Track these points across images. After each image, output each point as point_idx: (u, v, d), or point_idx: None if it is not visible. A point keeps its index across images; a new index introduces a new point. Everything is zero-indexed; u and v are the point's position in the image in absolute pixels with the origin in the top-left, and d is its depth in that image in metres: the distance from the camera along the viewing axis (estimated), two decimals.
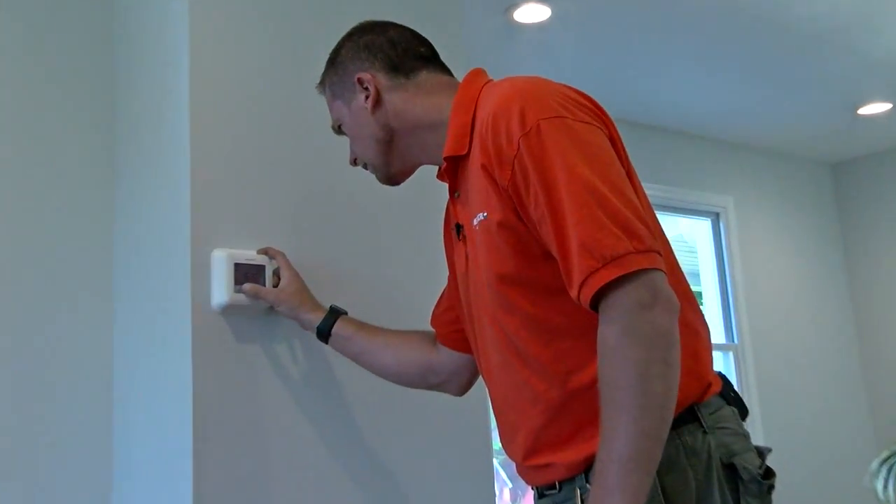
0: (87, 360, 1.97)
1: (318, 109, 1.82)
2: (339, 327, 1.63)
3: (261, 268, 1.68)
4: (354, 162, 1.49)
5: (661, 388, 1.01)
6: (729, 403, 1.22)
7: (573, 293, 1.08)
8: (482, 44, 3.39)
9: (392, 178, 1.46)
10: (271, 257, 1.70)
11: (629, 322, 1.02)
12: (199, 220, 1.67)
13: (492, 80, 1.32)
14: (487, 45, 3.44)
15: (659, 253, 1.07)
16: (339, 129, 1.49)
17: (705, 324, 1.24)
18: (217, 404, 1.63)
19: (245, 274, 1.66)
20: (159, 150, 1.85)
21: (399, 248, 1.93)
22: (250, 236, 1.72)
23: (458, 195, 1.31)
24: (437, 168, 1.40)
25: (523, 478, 1.28)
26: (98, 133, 2.08)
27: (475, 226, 1.23)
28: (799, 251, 5.03)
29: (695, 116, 4.47)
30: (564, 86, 1.21)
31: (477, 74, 1.35)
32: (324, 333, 1.64)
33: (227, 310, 1.65)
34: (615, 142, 1.19)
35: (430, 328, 1.59)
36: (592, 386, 1.10)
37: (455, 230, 1.34)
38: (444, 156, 1.29)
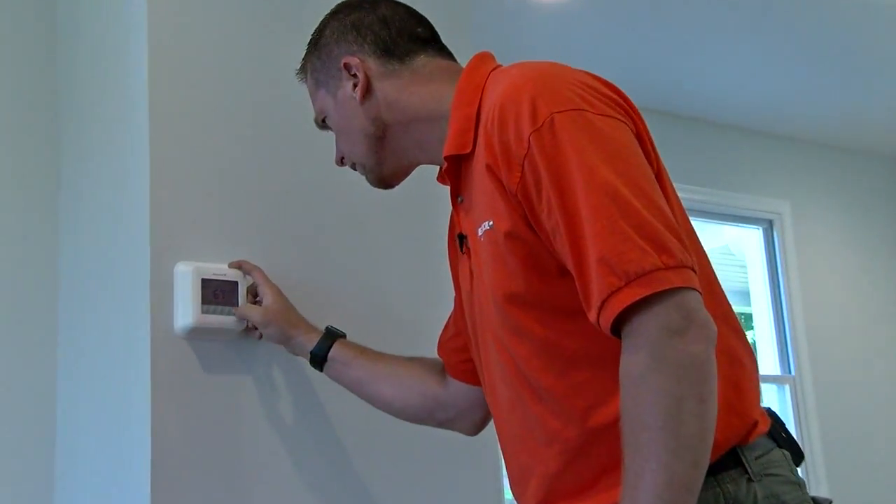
0: (23, 394, 1.99)
1: (298, 99, 1.84)
2: (336, 352, 1.65)
3: (233, 284, 1.70)
4: (341, 161, 1.50)
5: (695, 428, 1.02)
6: (780, 445, 1.22)
7: (591, 315, 1.09)
8: (492, 25, 3.41)
9: (385, 179, 1.47)
10: (246, 272, 1.72)
11: (657, 350, 1.03)
12: (159, 227, 1.69)
13: (500, 66, 1.33)
14: (498, 25, 3.47)
15: (693, 269, 1.08)
16: (322, 123, 1.50)
17: (750, 352, 1.25)
18: (181, 447, 1.64)
19: (214, 292, 1.67)
20: (112, 145, 1.87)
21: (399, 262, 1.95)
22: (220, 247, 1.74)
23: (462, 200, 1.32)
24: (437, 168, 1.41)
25: None
26: (38, 126, 2.10)
27: (480, 236, 1.24)
28: (869, 266, 5.03)
29: (743, 106, 4.48)
30: (583, 72, 1.22)
31: (483, 59, 1.36)
32: (319, 358, 1.65)
33: (193, 333, 1.67)
34: (643, 138, 1.20)
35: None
36: (616, 424, 1.11)
37: (458, 241, 1.35)
38: (444, 155, 1.30)
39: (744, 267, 4.87)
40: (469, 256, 1.31)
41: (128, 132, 1.80)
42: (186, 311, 1.66)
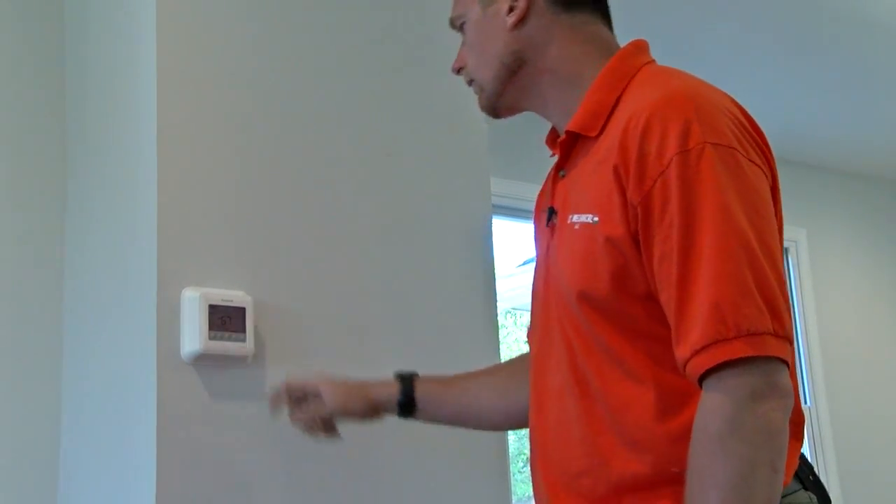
0: (27, 419, 1.99)
1: (312, 124, 1.85)
2: (423, 392, 1.55)
3: (241, 310, 1.70)
4: (458, 71, 1.44)
5: (765, 496, 1.03)
6: (805, 488, 1.23)
7: (682, 352, 1.09)
8: None
9: (497, 109, 1.41)
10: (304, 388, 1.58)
11: (738, 412, 1.04)
12: (167, 252, 1.70)
13: (655, 62, 1.32)
14: None
15: (792, 343, 1.10)
16: (458, 27, 1.42)
17: (801, 414, 1.25)
18: (187, 474, 1.64)
19: (222, 318, 1.68)
20: (120, 170, 1.88)
21: (430, 285, 1.94)
22: (228, 272, 1.74)
23: (564, 175, 1.31)
24: (544, 127, 1.38)
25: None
26: (46, 147, 2.11)
27: (576, 224, 1.22)
28: (888, 295, 5.02)
29: None
30: (730, 99, 1.22)
31: (639, 48, 1.34)
32: (408, 405, 1.54)
33: (200, 360, 1.67)
34: (775, 192, 1.20)
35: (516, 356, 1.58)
36: (639, 450, 1.13)
37: (547, 213, 1.33)
38: (567, 129, 1.28)
39: None
40: (553, 232, 1.29)
41: (136, 157, 1.81)
42: (194, 336, 1.67)
